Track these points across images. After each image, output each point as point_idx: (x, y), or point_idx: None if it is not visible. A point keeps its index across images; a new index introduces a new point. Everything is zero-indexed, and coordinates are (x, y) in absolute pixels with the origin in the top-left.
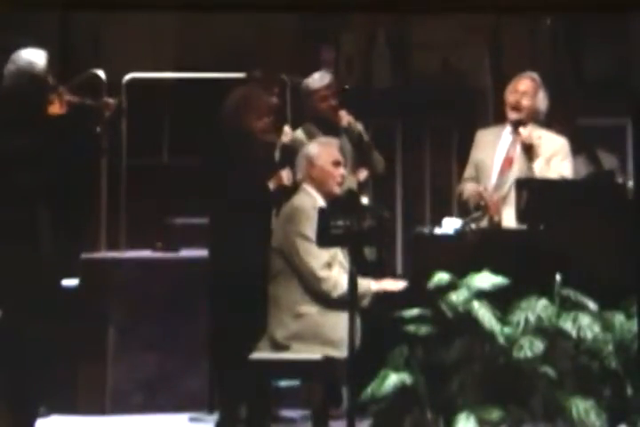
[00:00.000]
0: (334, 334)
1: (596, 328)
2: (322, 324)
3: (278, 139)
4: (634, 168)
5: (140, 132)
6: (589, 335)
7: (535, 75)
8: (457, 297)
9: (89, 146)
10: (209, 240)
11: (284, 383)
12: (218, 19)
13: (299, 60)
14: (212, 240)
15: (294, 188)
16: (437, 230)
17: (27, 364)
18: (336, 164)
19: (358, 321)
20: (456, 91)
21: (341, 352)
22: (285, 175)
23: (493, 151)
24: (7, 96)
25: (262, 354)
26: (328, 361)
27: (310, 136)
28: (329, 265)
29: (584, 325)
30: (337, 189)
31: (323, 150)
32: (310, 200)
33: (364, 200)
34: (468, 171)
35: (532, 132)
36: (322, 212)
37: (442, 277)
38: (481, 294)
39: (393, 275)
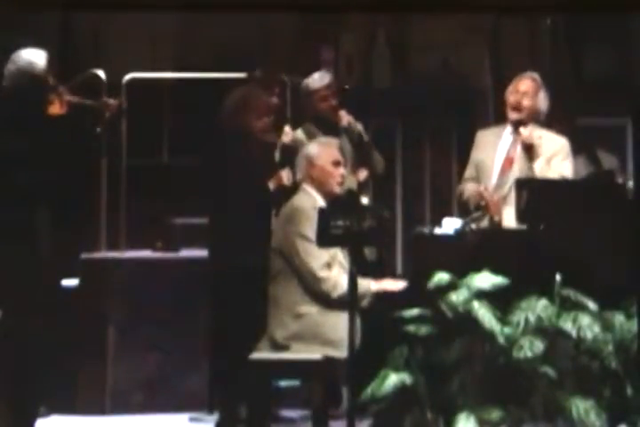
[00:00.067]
0: (334, 334)
1: (596, 328)
2: (322, 324)
3: (278, 139)
4: (634, 168)
5: (140, 132)
6: (589, 335)
7: (536, 75)
8: (457, 297)
9: (89, 146)
10: (209, 240)
11: (284, 383)
12: (218, 19)
13: (299, 60)
14: (212, 240)
15: (294, 188)
16: (437, 230)
17: (27, 364)
18: (336, 164)
19: (358, 321)
20: (456, 91)
21: (341, 352)
22: (285, 175)
23: (494, 151)
24: (7, 96)
25: (262, 354)
26: (328, 361)
27: (310, 136)
28: (329, 265)
29: (584, 325)
30: (337, 189)
31: (323, 150)
32: (310, 200)
33: (364, 200)
34: (469, 171)
35: (532, 133)
36: (322, 212)
37: (442, 277)
38: (481, 294)
39: (393, 275)
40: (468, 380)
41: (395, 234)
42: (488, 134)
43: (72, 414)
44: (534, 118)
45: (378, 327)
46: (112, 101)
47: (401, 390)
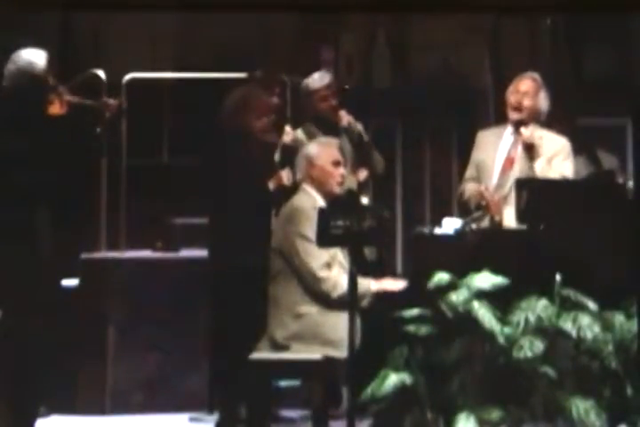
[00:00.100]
0: (334, 334)
1: (596, 328)
2: (322, 324)
3: (279, 139)
4: (634, 168)
5: (140, 132)
6: (589, 335)
7: (536, 75)
8: (457, 297)
9: (89, 146)
10: (209, 240)
11: (284, 383)
12: (218, 19)
13: (299, 60)
14: (212, 240)
15: (294, 188)
16: (437, 230)
17: (27, 364)
18: (336, 164)
19: (358, 321)
20: (456, 91)
21: (341, 352)
22: (285, 175)
23: (494, 151)
24: (7, 96)
25: (262, 354)
26: (328, 361)
27: (310, 136)
28: (328, 265)
29: (584, 325)
30: (337, 189)
31: (322, 150)
32: (310, 200)
33: (364, 200)
34: (469, 171)
35: (533, 133)
36: (322, 212)
37: (442, 277)
38: (481, 294)
39: (393, 275)
40: (467, 380)
41: (395, 234)
42: (489, 134)
43: (72, 414)
44: (535, 118)
45: (378, 327)
46: (112, 101)
47: (401, 390)
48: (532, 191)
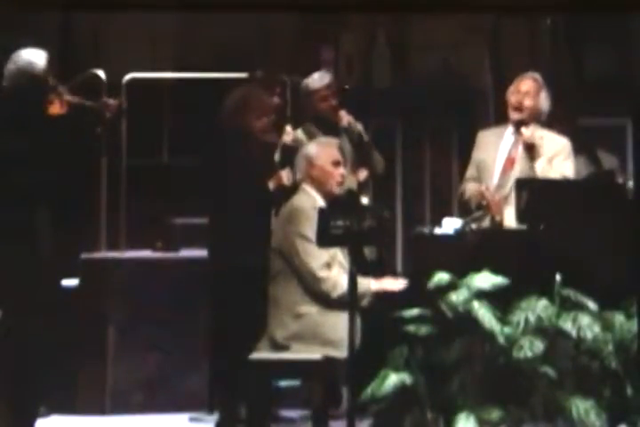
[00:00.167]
0: (334, 334)
1: (596, 328)
2: (322, 324)
3: (279, 139)
4: (634, 168)
5: (140, 132)
6: (589, 335)
7: (537, 75)
8: (457, 297)
9: (89, 146)
10: (209, 240)
11: (284, 383)
12: (218, 19)
13: (299, 60)
14: (212, 240)
15: (294, 188)
16: (437, 230)
17: (27, 364)
18: (336, 164)
19: (358, 321)
20: (456, 91)
21: (341, 352)
22: (285, 175)
23: (495, 151)
24: (7, 96)
25: (262, 354)
26: (328, 361)
27: (310, 136)
28: (328, 265)
29: (584, 325)
30: (337, 189)
31: (322, 150)
32: (310, 200)
33: (364, 200)
34: (470, 171)
35: (534, 133)
36: (322, 212)
37: (442, 277)
38: (481, 294)
39: (393, 275)
40: (468, 380)
41: (395, 234)
42: (489, 134)
43: (72, 414)
44: (536, 118)
45: (378, 327)
46: (112, 101)
47: (401, 390)
48: (532, 191)
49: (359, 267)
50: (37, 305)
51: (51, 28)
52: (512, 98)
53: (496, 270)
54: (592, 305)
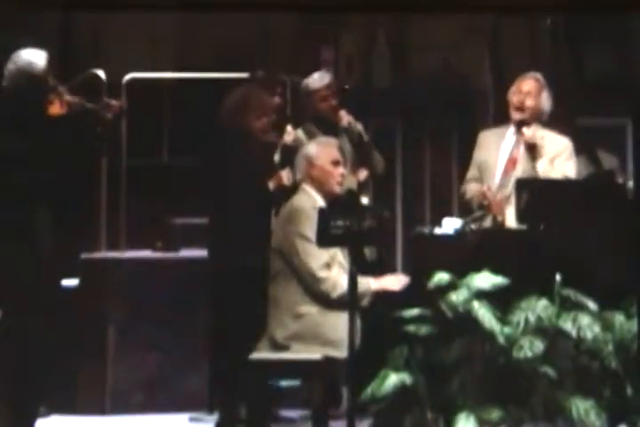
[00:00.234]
0: (334, 334)
1: (596, 328)
2: (322, 324)
3: (279, 139)
4: (634, 168)
5: (140, 132)
6: (589, 335)
7: (539, 75)
8: (457, 297)
9: (89, 146)
10: (209, 240)
11: (284, 383)
12: (218, 19)
13: (299, 60)
14: (212, 240)
15: (294, 188)
16: (437, 230)
17: (27, 364)
18: (335, 163)
19: (358, 321)
20: (456, 91)
21: (341, 352)
22: (285, 175)
23: (497, 152)
24: (7, 96)
25: (262, 354)
26: (328, 361)
27: (310, 136)
28: (328, 265)
29: (584, 325)
30: (337, 189)
31: (322, 150)
32: (310, 200)
33: (364, 200)
34: (472, 172)
35: (535, 133)
36: (322, 212)
37: (442, 277)
38: (481, 294)
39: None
40: (468, 380)
41: (395, 234)
42: (491, 135)
43: (72, 415)
44: (537, 118)
45: (378, 327)
46: (114, 102)
47: (401, 390)
48: (532, 191)
49: (359, 267)
50: (37, 305)
51: (51, 28)
52: (514, 98)
53: (496, 270)
54: (592, 305)
